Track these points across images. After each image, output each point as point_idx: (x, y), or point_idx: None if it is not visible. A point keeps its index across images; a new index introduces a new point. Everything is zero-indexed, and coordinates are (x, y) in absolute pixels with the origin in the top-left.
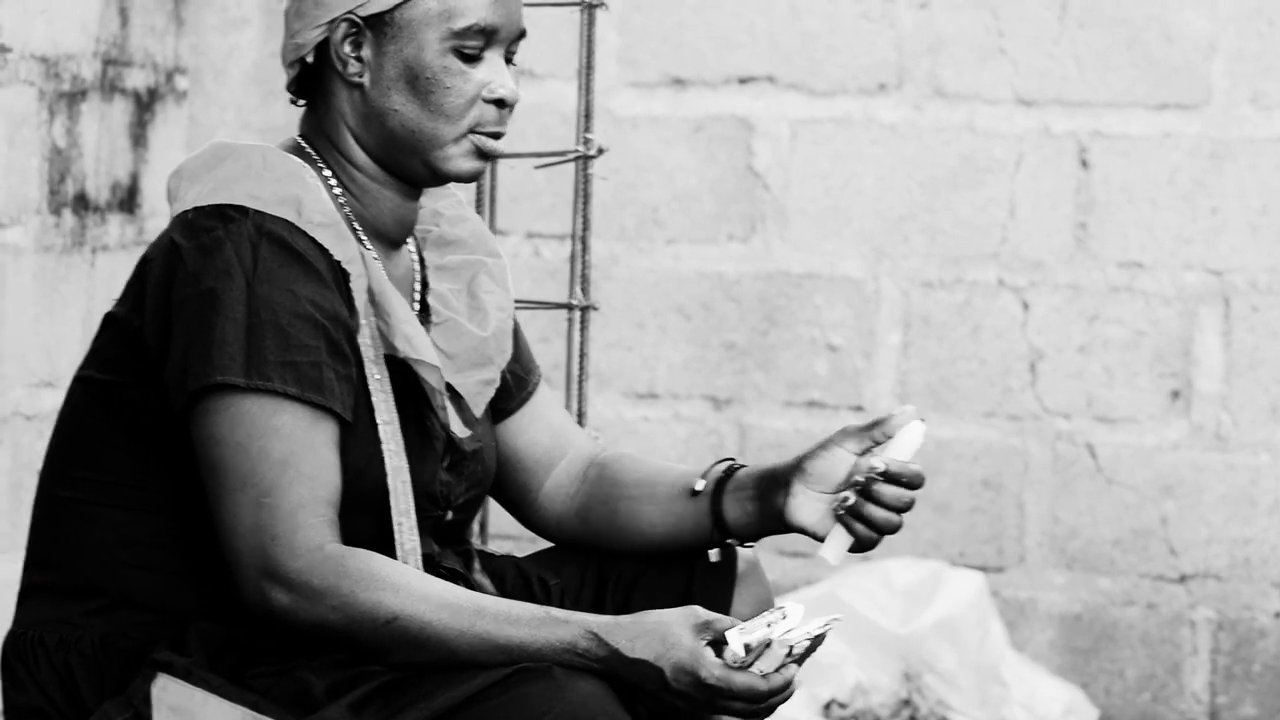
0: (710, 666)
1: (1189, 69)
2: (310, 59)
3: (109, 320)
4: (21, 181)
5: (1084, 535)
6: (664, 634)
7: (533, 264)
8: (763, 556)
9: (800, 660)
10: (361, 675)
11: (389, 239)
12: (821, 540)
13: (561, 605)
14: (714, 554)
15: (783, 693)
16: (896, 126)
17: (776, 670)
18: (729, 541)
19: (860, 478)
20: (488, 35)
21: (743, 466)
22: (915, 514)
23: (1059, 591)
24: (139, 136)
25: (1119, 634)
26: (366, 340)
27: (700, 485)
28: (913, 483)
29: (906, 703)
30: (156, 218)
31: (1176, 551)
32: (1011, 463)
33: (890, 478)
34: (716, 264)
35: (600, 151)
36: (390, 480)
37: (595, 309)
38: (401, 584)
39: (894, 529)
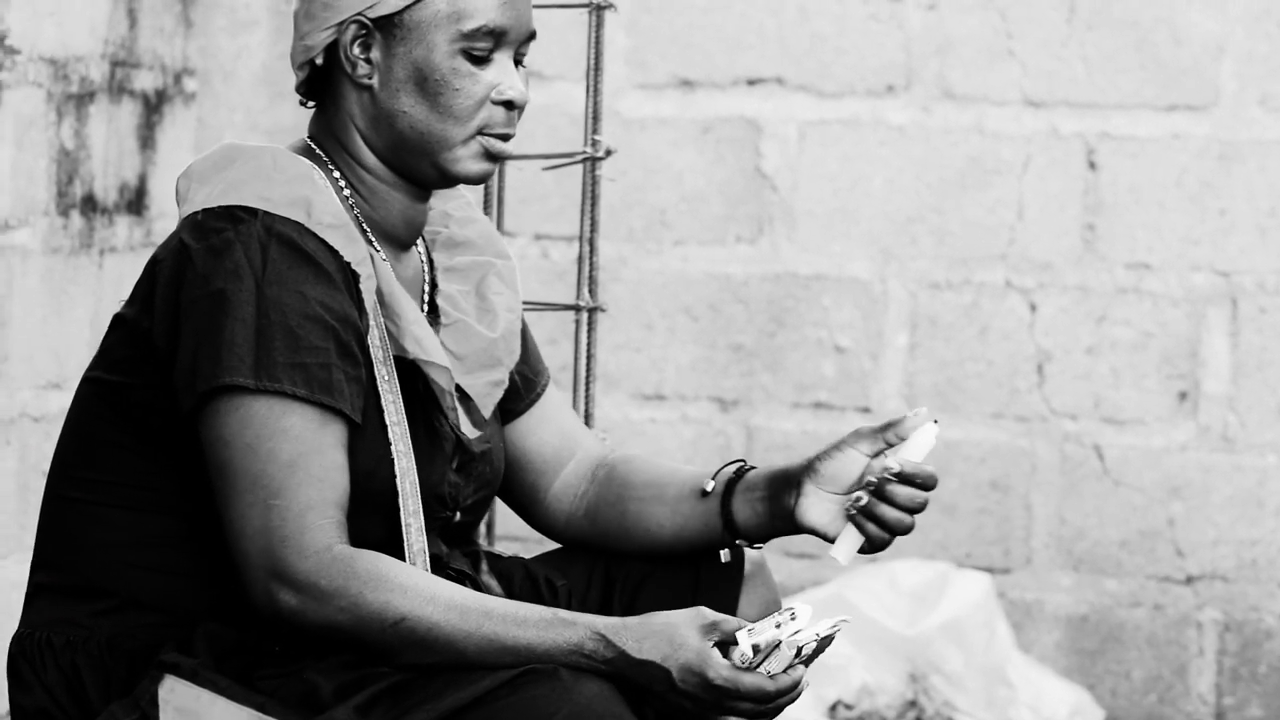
0: (718, 667)
1: (1197, 71)
2: (320, 61)
3: (117, 321)
4: (29, 183)
5: (1091, 536)
6: (671, 635)
7: (540, 265)
8: (770, 558)
9: (808, 661)
10: (369, 676)
11: (398, 240)
12: (831, 541)
13: (569, 606)
14: (725, 554)
15: (790, 694)
16: (905, 128)
17: (784, 671)
18: (738, 542)
19: (874, 478)
20: (497, 37)
21: (753, 468)
22: (922, 515)
23: (1065, 593)
24: (147, 138)
25: (1125, 635)
26: (376, 342)
27: (710, 486)
28: (926, 484)
29: (913, 704)
30: (164, 219)
31: (1183, 553)
32: (1019, 464)
33: (904, 478)
34: (724, 265)
35: (608, 153)
36: (399, 482)
37: (603, 310)
38: (409, 585)
39: (906, 530)
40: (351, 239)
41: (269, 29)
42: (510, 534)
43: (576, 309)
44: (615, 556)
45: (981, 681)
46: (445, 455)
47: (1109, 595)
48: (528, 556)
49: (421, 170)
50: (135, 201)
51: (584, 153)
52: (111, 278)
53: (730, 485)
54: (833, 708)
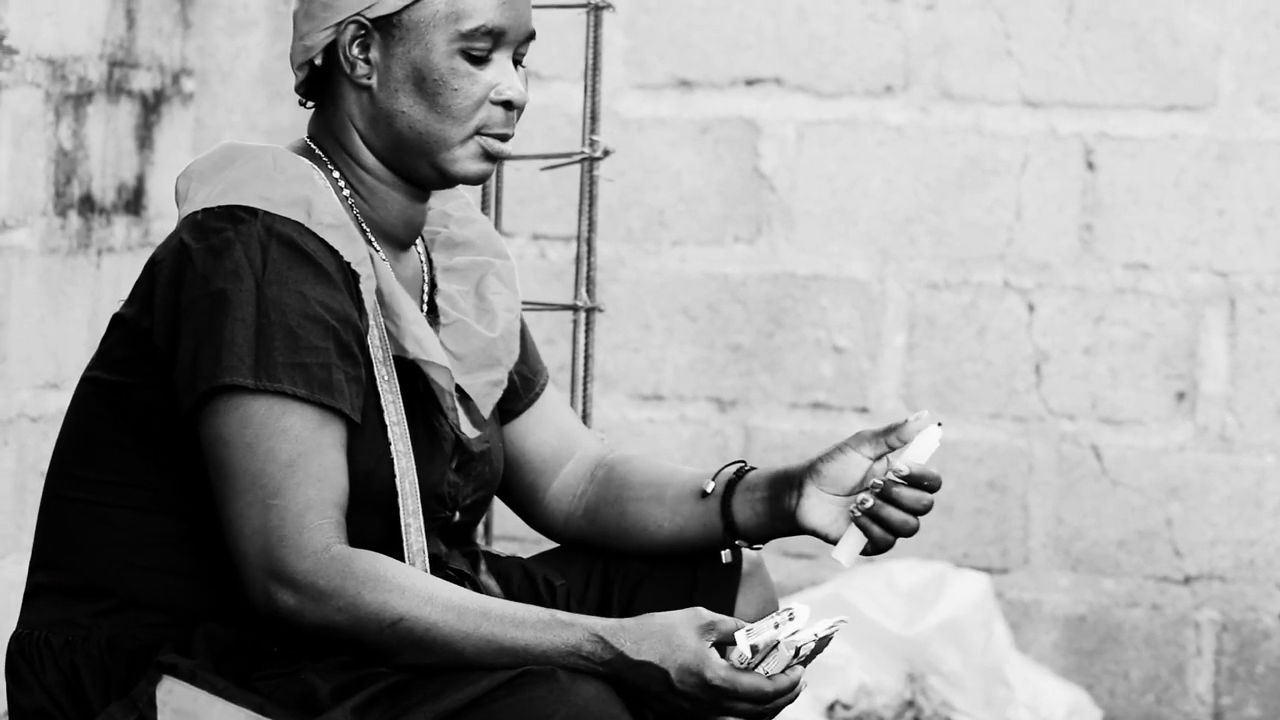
0: (716, 667)
1: (1195, 71)
2: (319, 61)
3: (117, 321)
4: (27, 183)
5: (1089, 537)
6: (669, 635)
7: (538, 266)
8: (768, 558)
9: (806, 661)
10: (367, 677)
11: (397, 240)
12: (833, 543)
13: (567, 606)
14: (725, 555)
15: (788, 694)
16: (903, 128)
17: (782, 671)
18: (738, 543)
19: (879, 480)
20: (495, 37)
21: (753, 468)
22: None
23: (1063, 593)
24: (145, 138)
25: (1123, 635)
26: (375, 341)
27: (710, 487)
28: (932, 486)
29: (910, 704)
30: (162, 220)
31: (1181, 553)
32: (1016, 464)
33: (910, 481)
34: (722, 266)
35: (606, 153)
36: (398, 481)
37: (601, 311)
38: (407, 586)
39: (911, 531)
40: (351, 239)
41: (267, 29)
42: (508, 534)
43: (574, 309)
44: (614, 556)
45: (979, 681)
46: (444, 455)
47: (1107, 595)
48: (525, 556)
49: (420, 170)
50: (133, 202)
51: (582, 153)
52: (109, 278)
53: (730, 486)
54: (831, 708)
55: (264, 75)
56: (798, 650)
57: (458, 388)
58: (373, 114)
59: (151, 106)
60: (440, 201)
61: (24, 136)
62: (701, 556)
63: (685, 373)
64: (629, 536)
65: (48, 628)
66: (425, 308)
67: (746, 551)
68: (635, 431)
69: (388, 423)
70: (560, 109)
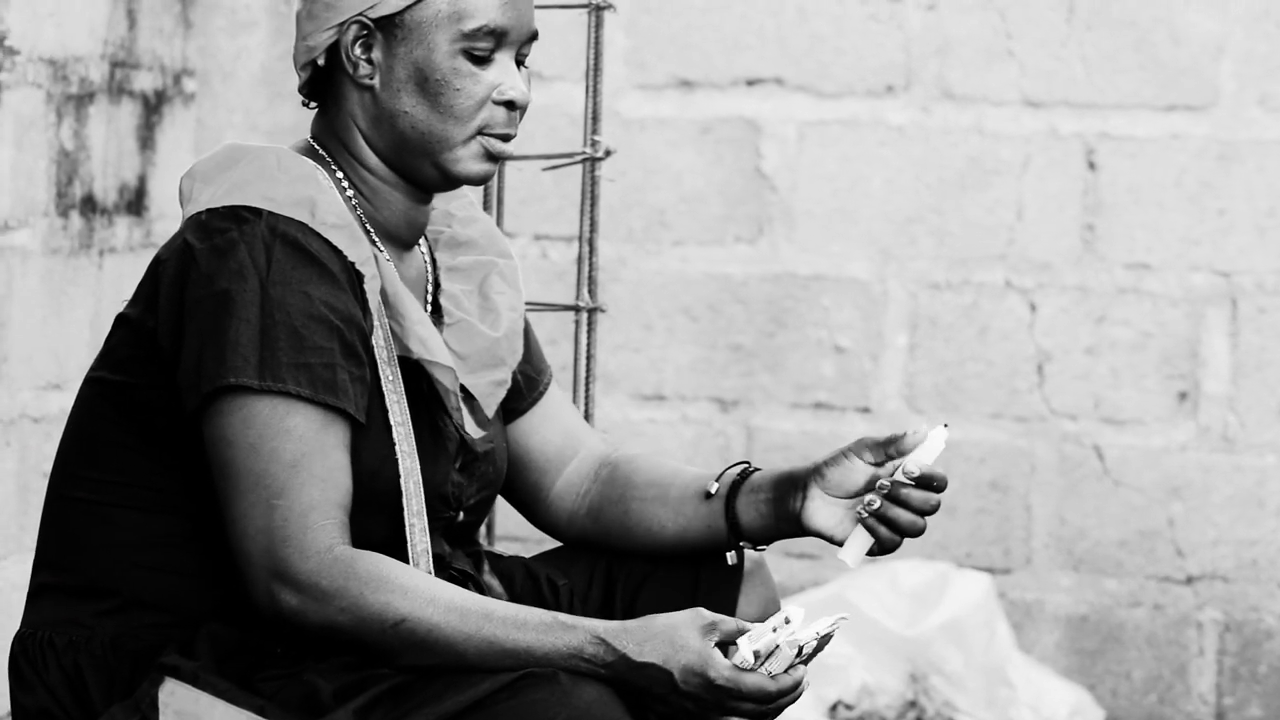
0: (719, 667)
1: (1197, 71)
2: (321, 61)
3: (121, 321)
4: (29, 184)
5: (1091, 537)
6: (672, 637)
7: (540, 266)
8: (769, 558)
9: (808, 660)
10: (369, 679)
11: (401, 240)
12: (839, 544)
13: (570, 606)
14: (731, 556)
15: (792, 693)
16: (904, 128)
17: (785, 671)
18: (742, 544)
19: (887, 482)
20: (498, 37)
21: (757, 470)
22: None
23: (1065, 593)
24: (147, 139)
25: (1125, 635)
26: (380, 342)
27: (714, 488)
28: (939, 486)
29: (913, 704)
30: (164, 220)
31: (1183, 553)
32: (1018, 464)
33: (918, 482)
34: (724, 266)
35: (608, 153)
36: (403, 482)
37: (602, 311)
38: (410, 587)
39: (919, 532)
40: (355, 239)
41: (268, 30)
42: (510, 534)
43: (576, 309)
44: (617, 556)
45: (982, 682)
46: (449, 455)
47: (1109, 595)
48: (528, 557)
49: (423, 171)
50: (135, 202)
51: (583, 153)
52: (111, 278)
53: (734, 487)
54: (833, 708)
55: (265, 75)
56: (800, 649)
57: (462, 387)
58: (375, 114)
59: (153, 107)
60: (443, 201)
61: (25, 137)
62: (704, 557)
63: (687, 373)
64: (632, 536)
65: (51, 628)
66: (429, 307)
67: (749, 552)
68: (637, 432)
69: (392, 423)
70: (562, 109)
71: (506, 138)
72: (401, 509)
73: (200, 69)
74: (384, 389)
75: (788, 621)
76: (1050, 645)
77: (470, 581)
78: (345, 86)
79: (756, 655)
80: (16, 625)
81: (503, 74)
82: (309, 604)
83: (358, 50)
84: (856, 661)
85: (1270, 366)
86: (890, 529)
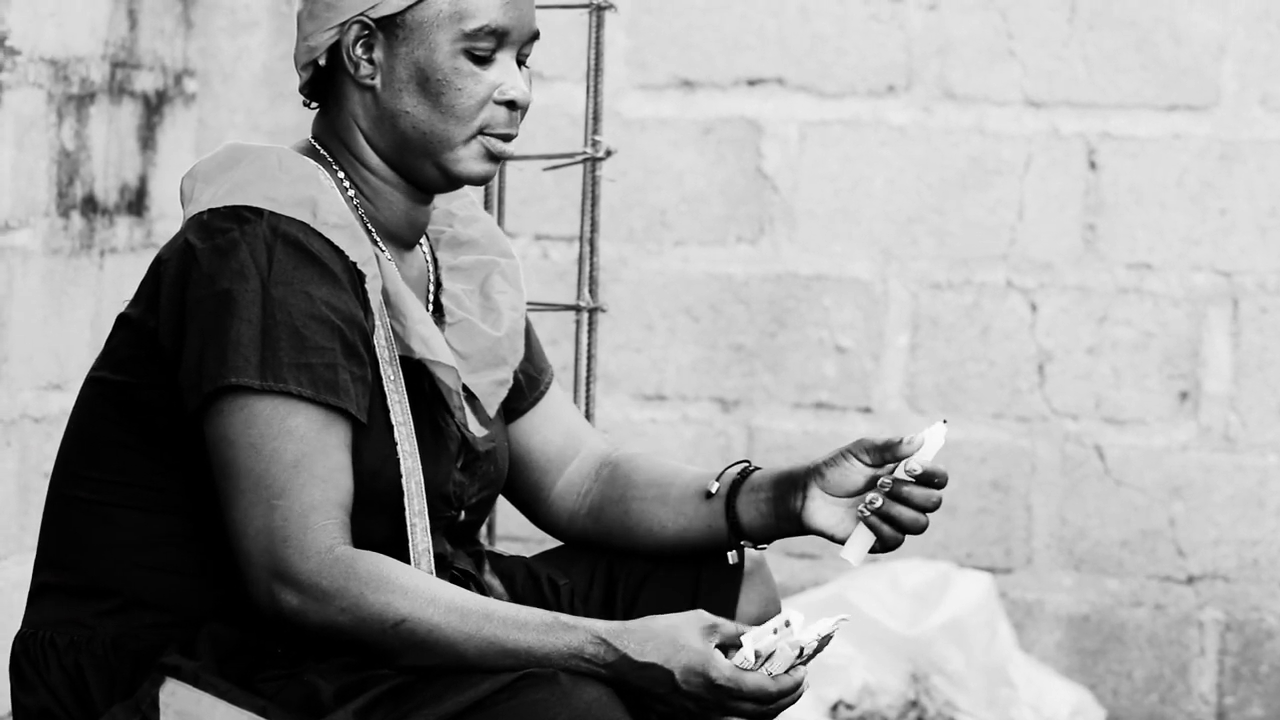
0: (721, 667)
1: (1198, 70)
2: (323, 61)
3: (122, 321)
4: (30, 184)
5: (1092, 536)
6: (673, 637)
7: (541, 266)
8: (770, 557)
9: (807, 660)
10: (369, 679)
11: (402, 240)
12: (841, 543)
13: (571, 606)
14: (732, 555)
15: (792, 694)
16: (905, 128)
17: (786, 672)
18: (742, 543)
19: (889, 480)
20: (499, 37)
21: (757, 469)
22: None
23: (1067, 593)
24: (148, 139)
25: (1127, 635)
26: (381, 341)
27: (714, 487)
28: (941, 483)
29: (914, 704)
30: (165, 220)
31: (1184, 553)
32: (1019, 464)
33: (920, 479)
34: (725, 266)
35: (609, 153)
36: (404, 481)
37: (603, 311)
38: (410, 587)
39: (921, 529)
40: (357, 239)
41: (269, 30)
42: (511, 534)
43: (577, 309)
44: (618, 555)
45: (983, 681)
46: (450, 455)
47: (1110, 595)
48: (529, 557)
49: (424, 171)
50: (136, 202)
51: (584, 153)
52: (112, 278)
53: (734, 487)
54: (834, 708)
55: (266, 76)
56: (801, 650)
57: (463, 386)
58: (376, 114)
59: (154, 107)
60: (445, 201)
61: (26, 137)
62: (705, 556)
63: (688, 373)
64: (633, 536)
65: (52, 627)
66: (430, 307)
67: (749, 551)
68: (638, 432)
69: (394, 422)
70: (562, 109)
71: (507, 138)
72: (403, 509)
73: (201, 69)
74: (385, 389)
75: (788, 624)
76: (1051, 645)
77: (471, 581)
78: (346, 86)
79: (757, 656)
80: (18, 625)
81: (504, 74)
82: (309, 604)
83: (359, 50)
84: (857, 661)
85: (1271, 366)
86: (893, 527)
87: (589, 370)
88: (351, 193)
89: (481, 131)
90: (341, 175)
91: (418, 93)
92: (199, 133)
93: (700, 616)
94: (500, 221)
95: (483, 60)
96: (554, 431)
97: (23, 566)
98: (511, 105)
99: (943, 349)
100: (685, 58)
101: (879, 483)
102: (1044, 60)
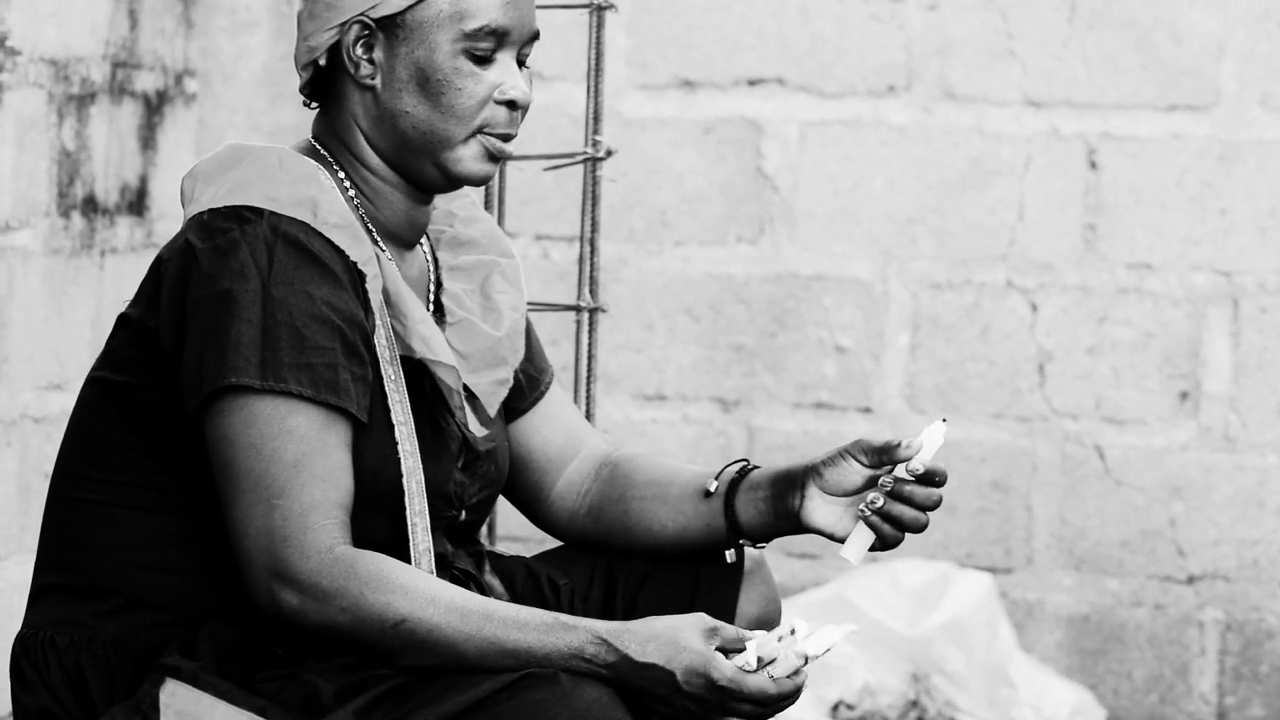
0: (722, 668)
1: (1198, 71)
2: (323, 61)
3: (122, 321)
4: (30, 184)
5: (1092, 536)
6: (674, 638)
7: (541, 266)
8: (770, 557)
9: (807, 663)
10: (369, 679)
11: (402, 240)
12: (840, 541)
13: (571, 606)
14: (730, 554)
15: (792, 697)
16: (905, 128)
17: (788, 676)
18: (741, 542)
19: (889, 480)
20: (499, 37)
21: (756, 467)
22: None
23: (1067, 593)
24: (148, 139)
25: (1127, 635)
26: (382, 341)
27: (713, 486)
28: (941, 481)
29: (914, 704)
30: (165, 220)
31: (1185, 553)
32: (1020, 464)
33: (920, 478)
34: (725, 266)
35: (609, 153)
36: (405, 481)
37: (604, 311)
38: (410, 587)
39: (922, 528)
40: (357, 239)
41: (269, 30)
42: (511, 534)
43: (577, 309)
44: (617, 555)
45: (983, 681)
46: (451, 454)
47: (1110, 595)
48: (529, 557)
49: (424, 171)
50: (136, 202)
51: (585, 153)
52: (112, 279)
53: (733, 485)
54: (835, 708)
55: (266, 76)
56: (806, 658)
57: (464, 386)
58: (377, 114)
59: (154, 107)
60: (445, 201)
61: (27, 137)
62: (704, 555)
63: (688, 373)
64: (632, 535)
65: (53, 628)
66: (431, 307)
67: (749, 550)
68: (638, 432)
69: (395, 422)
70: (563, 109)
71: (507, 137)
72: (403, 508)
73: (202, 69)
74: (386, 388)
75: (793, 631)
76: (1052, 645)
77: (471, 581)
78: (347, 86)
79: (760, 660)
80: (18, 625)
81: (504, 74)
82: (309, 604)
83: (359, 50)
84: (858, 661)
85: (1271, 366)
86: (893, 526)
87: (589, 370)
88: (352, 193)
89: (481, 130)
90: (342, 175)
91: (418, 93)
92: (199, 133)
93: (701, 619)
94: (501, 221)
95: (483, 60)
96: (554, 431)
97: (24, 567)
98: (512, 105)
99: (943, 349)
100: (685, 58)
101: (879, 482)
102: (1044, 60)
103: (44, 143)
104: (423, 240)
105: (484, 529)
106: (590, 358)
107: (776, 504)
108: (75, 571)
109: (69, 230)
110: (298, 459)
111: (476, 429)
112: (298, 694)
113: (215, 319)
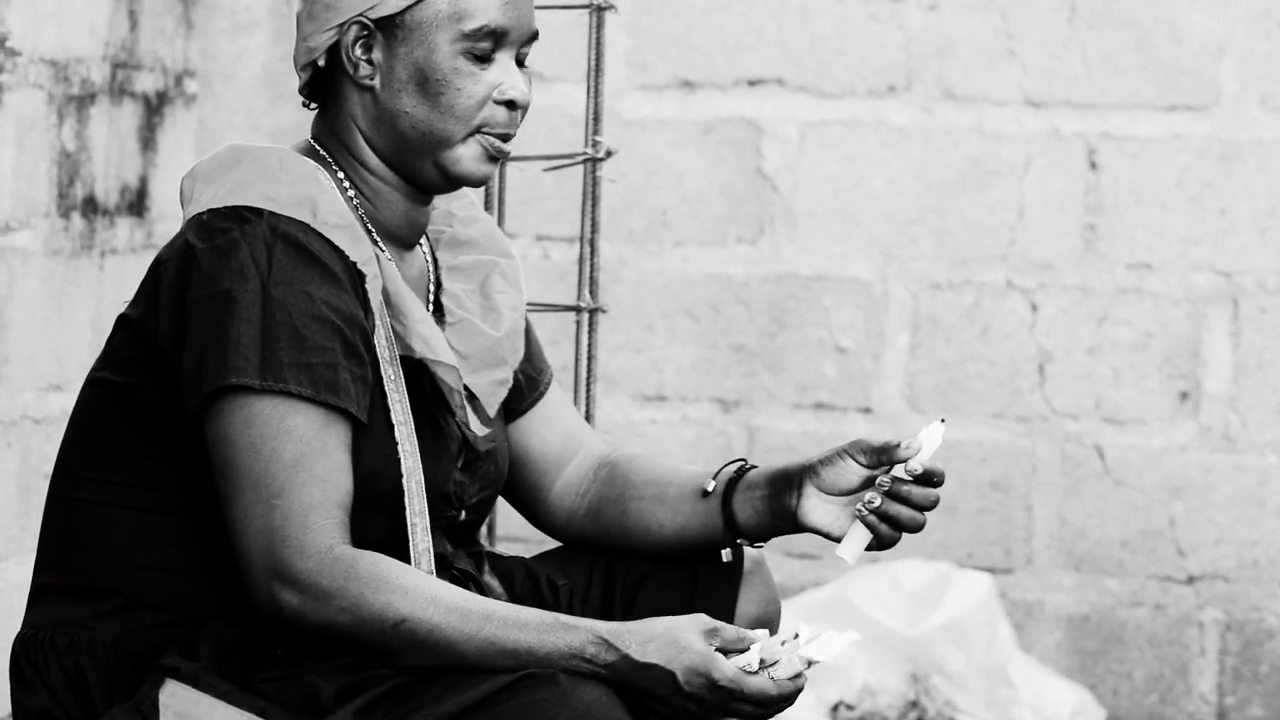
0: (723, 668)
1: (1198, 71)
2: (322, 62)
3: (122, 322)
4: (30, 185)
5: (1092, 536)
6: (675, 638)
7: (541, 266)
8: (770, 557)
9: (808, 665)
10: (369, 679)
11: (402, 240)
12: (837, 540)
13: (570, 606)
14: (726, 554)
15: (792, 699)
16: (905, 129)
17: (790, 679)
18: (739, 541)
19: (887, 480)
20: (498, 37)
21: (754, 467)
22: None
23: (1067, 593)
24: (148, 140)
25: (1127, 635)
26: (382, 341)
27: (711, 486)
28: (939, 481)
29: (914, 704)
30: (165, 221)
31: (1184, 553)
32: (1020, 464)
33: (918, 478)
34: (725, 266)
35: (609, 154)
36: (405, 481)
37: (604, 311)
38: (410, 587)
39: (919, 528)
40: (357, 239)
41: (269, 31)
42: (511, 535)
43: (577, 310)
44: (616, 555)
45: (983, 682)
46: (451, 454)
47: (1110, 595)
48: (528, 557)
49: (423, 171)
50: (136, 203)
51: (585, 154)
52: (112, 279)
53: (731, 485)
54: (834, 708)
55: (266, 76)
56: (810, 662)
57: (464, 386)
58: (376, 114)
59: (154, 108)
60: (445, 201)
61: (27, 138)
62: (703, 555)
63: (688, 373)
64: (631, 535)
65: (52, 628)
66: (431, 307)
67: (748, 550)
68: (638, 432)
69: (394, 422)
70: (563, 110)
71: (506, 137)
72: (403, 508)
73: (201, 70)
74: (386, 388)
75: (796, 636)
76: (1051, 645)
77: (471, 581)
78: (346, 87)
79: (762, 663)
80: (18, 626)
81: (503, 74)
82: (309, 604)
83: (358, 51)
84: (858, 661)
85: (1271, 366)
86: (891, 526)
87: (589, 371)
88: (351, 193)
89: (480, 130)
90: (341, 175)
91: (417, 93)
92: (199, 133)
93: (701, 619)
94: (500, 222)
95: (482, 60)
96: (553, 432)
97: (23, 567)
98: (511, 105)
99: (943, 349)
100: (685, 58)
101: (877, 482)
102: (1044, 60)
103: (44, 143)
104: (422, 240)
105: (484, 529)
106: (590, 358)
107: (774, 503)
108: (75, 572)
109: (69, 231)
110: (297, 459)
111: (477, 429)
112: (298, 694)
113: (215, 319)
